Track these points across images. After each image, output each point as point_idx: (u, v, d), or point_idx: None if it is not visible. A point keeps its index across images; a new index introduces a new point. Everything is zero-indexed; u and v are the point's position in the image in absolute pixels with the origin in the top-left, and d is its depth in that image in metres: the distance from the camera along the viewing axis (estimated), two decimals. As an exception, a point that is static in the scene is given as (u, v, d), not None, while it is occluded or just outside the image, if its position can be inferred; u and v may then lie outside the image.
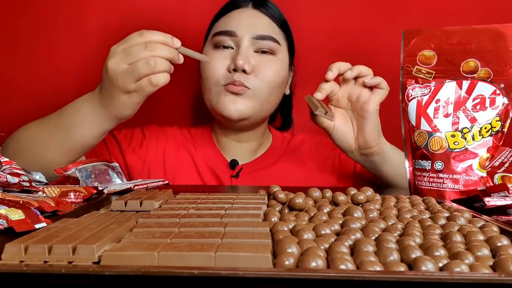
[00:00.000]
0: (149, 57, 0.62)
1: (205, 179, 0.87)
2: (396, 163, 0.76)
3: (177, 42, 0.66)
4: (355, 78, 0.74)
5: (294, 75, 0.95)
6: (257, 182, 0.83)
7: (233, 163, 0.87)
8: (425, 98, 0.67)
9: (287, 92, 0.92)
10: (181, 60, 0.67)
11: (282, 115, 0.99)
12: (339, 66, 0.73)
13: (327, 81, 0.73)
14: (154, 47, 0.63)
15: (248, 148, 0.90)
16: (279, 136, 0.95)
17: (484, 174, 0.65)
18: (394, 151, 0.78)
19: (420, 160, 0.67)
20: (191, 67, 0.96)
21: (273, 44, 0.83)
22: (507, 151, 0.72)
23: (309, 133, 0.95)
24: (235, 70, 0.80)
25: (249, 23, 0.83)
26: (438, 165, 0.65)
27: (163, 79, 0.64)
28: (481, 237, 0.37)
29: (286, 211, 0.48)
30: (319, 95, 0.72)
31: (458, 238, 0.36)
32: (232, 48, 0.83)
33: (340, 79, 0.75)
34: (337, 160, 0.90)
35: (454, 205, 0.54)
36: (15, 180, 0.53)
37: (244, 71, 0.80)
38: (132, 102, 0.66)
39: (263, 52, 0.83)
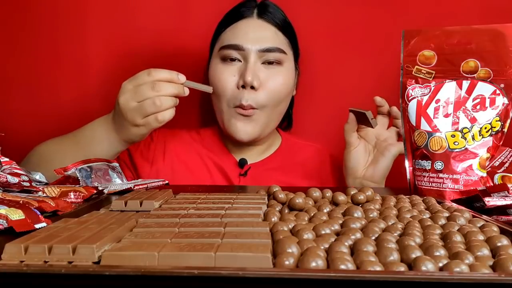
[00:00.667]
0: (155, 97, 0.69)
1: (215, 177, 0.88)
2: None
3: (182, 78, 0.72)
4: (390, 123, 0.80)
5: (298, 76, 0.96)
6: (264, 182, 0.84)
7: (242, 162, 0.89)
8: (425, 98, 0.67)
9: (294, 93, 0.94)
10: (186, 93, 0.73)
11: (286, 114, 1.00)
12: (386, 103, 0.78)
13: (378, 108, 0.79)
14: (160, 87, 0.70)
15: (256, 149, 0.92)
16: (288, 139, 0.97)
17: (484, 174, 0.65)
18: None
19: (420, 160, 0.67)
20: (199, 71, 0.96)
21: (280, 55, 0.84)
22: (507, 151, 0.72)
23: (317, 144, 0.97)
24: (243, 86, 0.82)
25: (255, 36, 0.83)
26: (438, 165, 0.65)
27: (168, 115, 0.71)
28: (481, 237, 0.37)
29: (286, 211, 0.48)
30: (379, 99, 0.77)
31: (458, 238, 0.36)
32: (240, 60, 0.84)
33: (379, 117, 0.79)
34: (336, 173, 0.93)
35: (454, 205, 0.54)
36: (15, 180, 0.53)
37: (252, 87, 0.81)
38: (140, 133, 0.74)
39: (270, 63, 0.84)
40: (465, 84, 0.65)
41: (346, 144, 0.79)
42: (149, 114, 0.70)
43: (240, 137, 0.84)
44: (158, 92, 0.69)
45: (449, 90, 0.66)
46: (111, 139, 0.76)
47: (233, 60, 0.83)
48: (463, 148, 0.64)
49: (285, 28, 0.87)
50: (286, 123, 1.01)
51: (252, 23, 0.85)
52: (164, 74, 0.71)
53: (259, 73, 0.82)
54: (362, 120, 0.76)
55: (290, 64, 0.87)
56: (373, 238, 0.37)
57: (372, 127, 0.75)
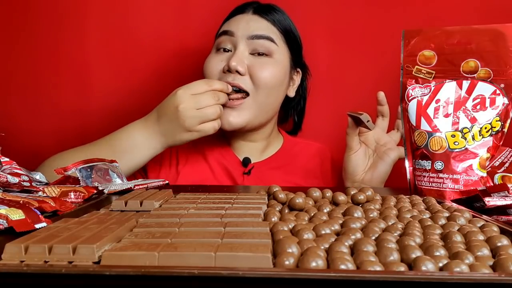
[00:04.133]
0: (217, 105, 0.77)
1: (218, 176, 0.89)
2: None
3: (230, 88, 0.80)
4: (390, 127, 0.80)
5: (307, 80, 0.97)
6: (267, 180, 0.85)
7: (246, 161, 0.90)
8: (425, 98, 0.67)
9: (291, 94, 0.93)
10: (227, 101, 0.80)
11: (293, 119, 1.00)
12: (387, 103, 0.78)
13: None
14: (219, 96, 0.77)
15: (256, 147, 0.92)
16: (290, 139, 0.97)
17: (484, 174, 0.65)
18: None
19: (420, 160, 0.67)
20: (199, 71, 0.97)
21: (269, 44, 0.84)
22: (507, 151, 0.72)
23: (320, 144, 0.97)
24: (229, 71, 0.83)
25: (246, 25, 0.85)
26: (438, 165, 0.65)
27: (220, 123, 0.79)
28: (481, 237, 0.37)
29: (286, 211, 0.48)
30: (381, 96, 0.77)
31: (458, 238, 0.36)
32: (231, 51, 0.85)
33: (379, 120, 0.79)
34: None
35: (454, 205, 0.54)
36: (15, 180, 0.53)
37: (238, 72, 0.82)
38: (191, 139, 0.78)
39: (260, 54, 0.84)
40: (465, 84, 0.65)
41: (346, 148, 0.79)
42: (208, 121, 0.76)
43: (222, 126, 0.84)
44: (218, 101, 0.76)
45: (449, 90, 0.66)
46: (154, 142, 0.78)
47: (226, 51, 0.86)
48: (463, 148, 0.64)
49: (282, 27, 0.88)
50: (292, 128, 1.01)
51: (246, 17, 0.87)
52: (219, 85, 0.78)
53: (245, 60, 0.83)
54: (360, 123, 0.76)
55: (281, 57, 0.87)
56: (373, 238, 0.37)
57: (369, 129, 0.75)
